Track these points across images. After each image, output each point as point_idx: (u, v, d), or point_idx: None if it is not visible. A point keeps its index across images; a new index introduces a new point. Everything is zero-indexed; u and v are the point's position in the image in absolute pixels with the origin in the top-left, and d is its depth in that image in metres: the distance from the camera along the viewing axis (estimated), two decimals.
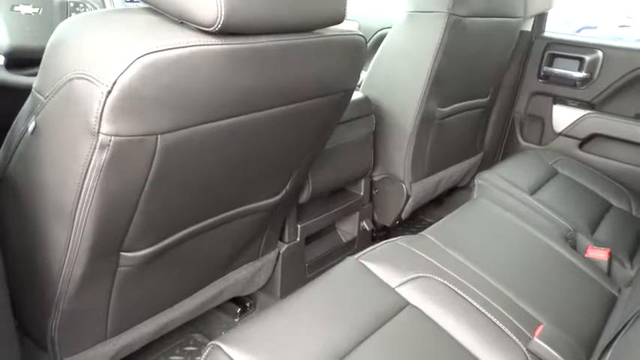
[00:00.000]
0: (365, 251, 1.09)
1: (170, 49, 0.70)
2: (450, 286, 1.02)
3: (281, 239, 1.46)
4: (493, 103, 2.00)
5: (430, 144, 1.72)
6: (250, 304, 1.53)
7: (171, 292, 1.15)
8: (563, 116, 2.00)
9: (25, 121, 0.84)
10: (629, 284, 1.25)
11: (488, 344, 0.91)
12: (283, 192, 1.21)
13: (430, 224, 1.28)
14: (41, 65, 0.79)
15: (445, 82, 1.60)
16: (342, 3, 0.89)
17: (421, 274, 1.03)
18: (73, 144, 0.75)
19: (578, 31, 3.30)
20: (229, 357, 0.78)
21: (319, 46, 0.90)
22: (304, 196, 1.41)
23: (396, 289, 0.99)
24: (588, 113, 1.93)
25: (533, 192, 1.57)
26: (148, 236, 0.94)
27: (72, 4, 1.34)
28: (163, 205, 0.90)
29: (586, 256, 1.32)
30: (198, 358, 1.33)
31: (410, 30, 1.57)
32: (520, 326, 0.96)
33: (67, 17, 1.31)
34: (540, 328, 0.94)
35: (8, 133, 0.91)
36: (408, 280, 1.01)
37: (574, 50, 1.94)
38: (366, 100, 1.59)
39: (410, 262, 1.06)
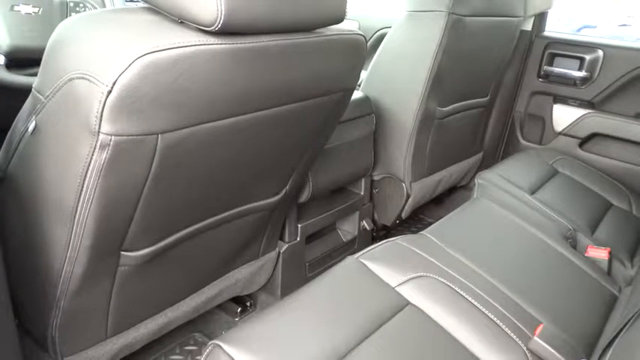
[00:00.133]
0: (365, 251, 1.09)
1: (170, 48, 0.70)
2: (450, 285, 1.02)
3: (281, 239, 1.46)
4: (493, 102, 2.00)
5: (430, 143, 1.72)
6: (251, 304, 1.53)
7: (171, 291, 1.15)
8: (564, 115, 2.00)
9: (26, 121, 0.84)
10: (629, 283, 1.26)
11: (489, 343, 0.91)
12: (284, 191, 1.21)
13: (430, 224, 1.28)
14: (41, 65, 0.79)
15: (445, 81, 1.60)
16: (342, 2, 0.89)
17: (421, 274, 1.03)
18: (73, 144, 0.75)
19: (578, 30, 3.30)
20: (230, 356, 0.78)
21: (319, 46, 0.90)
22: (304, 196, 1.41)
23: (397, 289, 0.99)
24: (588, 112, 1.93)
25: (533, 191, 1.57)
26: (149, 235, 0.94)
27: (72, 4, 1.34)
28: (164, 205, 0.90)
29: (586, 255, 1.32)
30: (199, 357, 1.33)
31: (410, 29, 1.57)
32: (520, 325, 0.96)
33: (67, 17, 1.31)
34: (540, 327, 0.94)
35: (9, 133, 0.91)
36: (409, 280, 1.01)
37: (574, 49, 1.94)
38: (366, 100, 1.59)
39: (410, 262, 1.06)
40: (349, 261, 1.05)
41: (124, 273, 0.97)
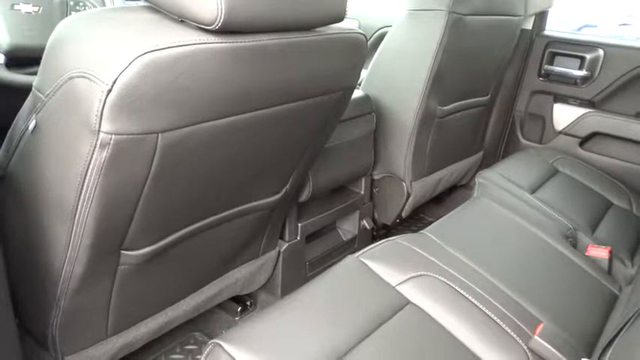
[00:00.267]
0: (365, 250, 1.09)
1: (170, 47, 0.70)
2: (451, 284, 1.02)
3: (281, 238, 1.46)
4: (493, 101, 2.00)
5: (431, 142, 1.72)
6: (251, 303, 1.53)
7: (171, 290, 1.15)
8: (564, 115, 2.00)
9: (26, 120, 0.84)
10: (629, 282, 1.25)
11: (489, 342, 0.91)
12: (284, 190, 1.21)
13: (430, 223, 1.28)
14: (41, 64, 0.79)
15: (445, 80, 1.60)
16: (342, 1, 0.89)
17: (422, 273, 1.03)
18: (73, 142, 0.75)
19: (579, 29, 3.29)
20: (230, 355, 0.78)
21: (320, 45, 0.90)
22: (305, 195, 1.41)
23: (397, 288, 0.99)
24: (589, 112, 1.93)
25: (533, 190, 1.57)
26: (149, 234, 0.94)
27: (72, 3, 1.34)
28: (164, 204, 0.90)
29: (586, 254, 1.32)
30: (199, 356, 1.33)
31: (410, 28, 1.57)
32: (521, 324, 0.96)
33: (67, 16, 1.31)
34: (541, 326, 0.94)
35: (9, 132, 0.91)
36: (409, 279, 1.01)
37: (575, 49, 1.94)
38: (366, 99, 1.58)
39: (410, 261, 1.06)
40: (349, 260, 1.05)
41: (124, 272, 0.97)
